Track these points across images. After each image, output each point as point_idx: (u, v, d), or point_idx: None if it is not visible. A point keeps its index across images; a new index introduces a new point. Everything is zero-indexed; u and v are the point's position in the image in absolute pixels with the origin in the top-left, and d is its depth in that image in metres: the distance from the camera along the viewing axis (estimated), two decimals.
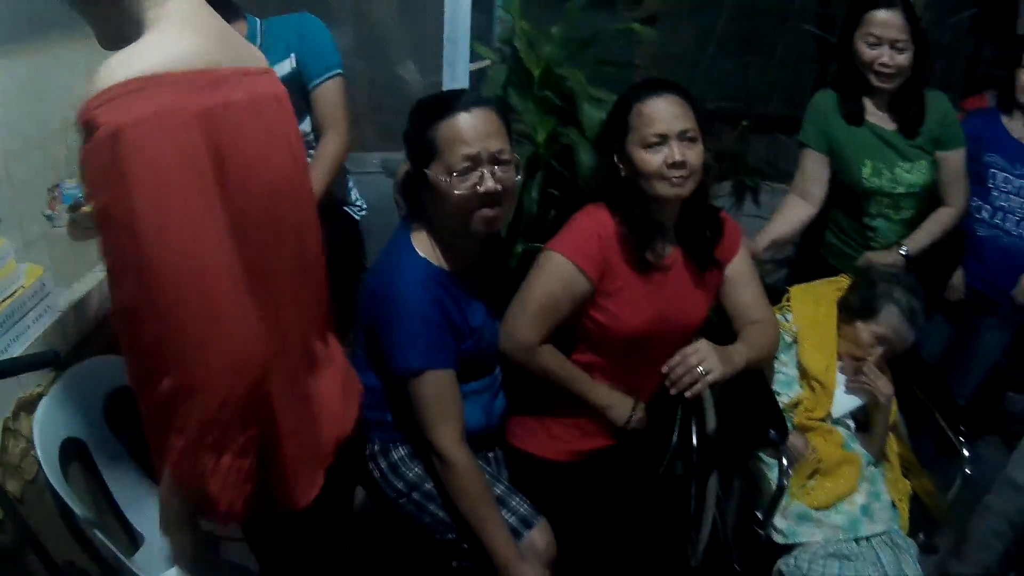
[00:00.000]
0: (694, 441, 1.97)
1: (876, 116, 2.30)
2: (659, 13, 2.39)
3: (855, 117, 2.29)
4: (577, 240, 1.79)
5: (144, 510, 1.79)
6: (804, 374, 2.10)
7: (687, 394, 1.74)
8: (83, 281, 2.01)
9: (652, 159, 1.71)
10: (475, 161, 1.57)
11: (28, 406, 1.71)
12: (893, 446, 2.16)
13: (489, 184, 1.58)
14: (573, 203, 2.00)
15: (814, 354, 2.10)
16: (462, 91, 1.84)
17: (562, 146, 2.21)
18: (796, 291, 2.22)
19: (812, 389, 2.09)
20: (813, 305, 2.16)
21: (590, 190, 2.06)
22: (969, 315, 2.58)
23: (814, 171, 2.34)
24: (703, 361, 1.73)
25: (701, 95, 2.07)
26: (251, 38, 2.12)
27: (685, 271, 1.87)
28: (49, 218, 2.52)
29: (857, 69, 2.25)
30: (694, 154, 1.72)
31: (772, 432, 1.95)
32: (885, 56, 2.18)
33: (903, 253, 2.28)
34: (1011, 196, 2.45)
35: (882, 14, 2.18)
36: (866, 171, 2.28)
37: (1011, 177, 2.45)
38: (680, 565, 2.07)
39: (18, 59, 2.37)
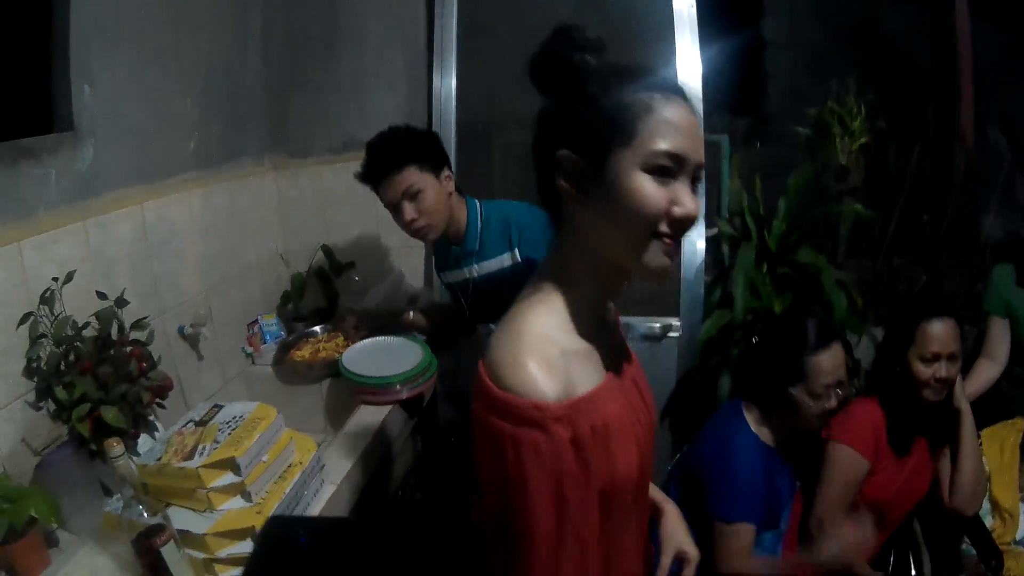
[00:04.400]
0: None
1: None
2: (858, 188, 2.54)
3: None
4: (857, 429, 2.07)
5: None
6: (995, 507, 2.30)
7: None
8: (353, 442, 1.93)
9: (925, 371, 2.02)
10: (831, 387, 1.92)
11: None
12: None
13: (833, 403, 1.93)
14: None
15: (1003, 490, 2.30)
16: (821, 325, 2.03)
17: None
18: (984, 436, 2.39)
19: (1003, 519, 2.29)
20: (999, 448, 2.36)
21: None
22: None
23: (997, 335, 2.52)
24: None
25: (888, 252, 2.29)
26: (472, 223, 2.07)
27: (924, 453, 2.17)
28: (248, 355, 2.50)
29: None
30: (956, 370, 2.04)
31: (993, 563, 2.19)
32: None
33: None
34: None
35: None
36: None
37: None
38: None
39: (213, 187, 2.34)
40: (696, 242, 2.49)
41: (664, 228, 0.95)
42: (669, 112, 0.94)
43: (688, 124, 0.94)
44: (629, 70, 0.97)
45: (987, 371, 2.55)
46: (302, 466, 1.66)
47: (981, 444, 2.44)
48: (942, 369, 2.01)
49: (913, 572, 2.28)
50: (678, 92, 0.96)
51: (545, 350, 0.96)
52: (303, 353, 2.36)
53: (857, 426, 2.09)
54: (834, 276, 2.30)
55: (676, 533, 1.35)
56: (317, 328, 2.47)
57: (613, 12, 2.47)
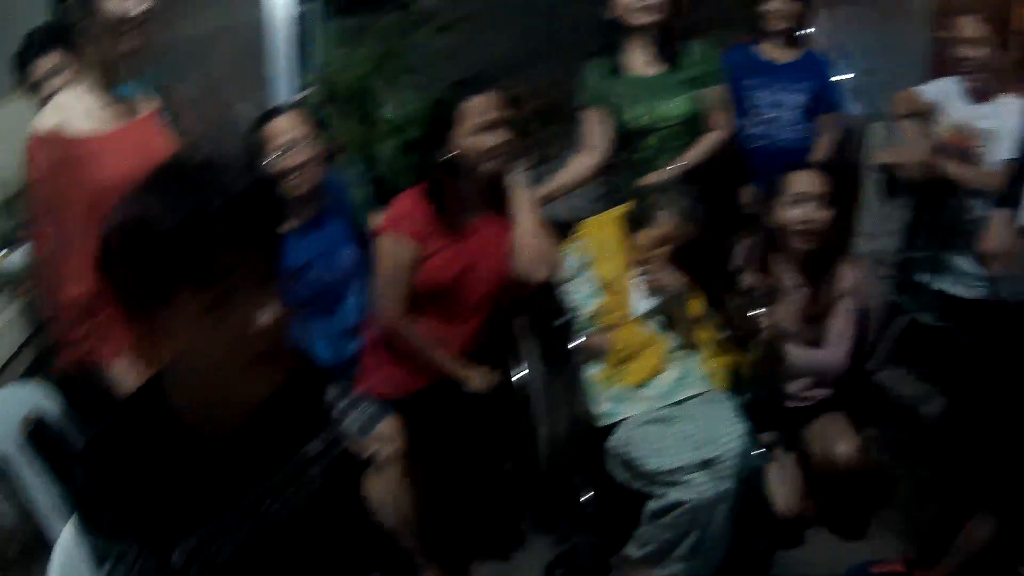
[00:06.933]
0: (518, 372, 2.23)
1: (638, 65, 2.50)
2: (450, 25, 2.66)
3: (616, 71, 2.50)
4: (399, 217, 2.13)
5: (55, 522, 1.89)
6: (601, 284, 2.28)
7: None
8: None
9: (476, 143, 2.04)
10: (286, 146, 2.01)
11: None
12: (704, 332, 2.28)
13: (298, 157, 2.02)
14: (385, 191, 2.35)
15: (606, 265, 2.28)
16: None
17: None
18: (586, 222, 2.41)
19: (610, 294, 2.27)
20: (601, 228, 2.36)
21: (394, 175, 2.44)
22: None
23: (592, 125, 2.55)
24: None
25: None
26: None
27: (488, 235, 2.19)
28: None
29: (616, 23, 2.45)
30: (507, 137, 2.07)
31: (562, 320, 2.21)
32: None
33: (677, 168, 2.45)
34: (773, 108, 2.66)
35: None
36: (633, 114, 2.48)
37: (769, 92, 2.67)
38: (531, 473, 2.31)
39: None
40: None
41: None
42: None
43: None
44: None
45: (583, 160, 2.57)
46: None
47: (581, 229, 2.39)
48: (490, 139, 2.04)
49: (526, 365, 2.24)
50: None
51: None
52: None
53: (398, 213, 2.14)
54: (390, 100, 2.40)
55: None
56: None
57: None
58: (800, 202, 2.31)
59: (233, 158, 0.99)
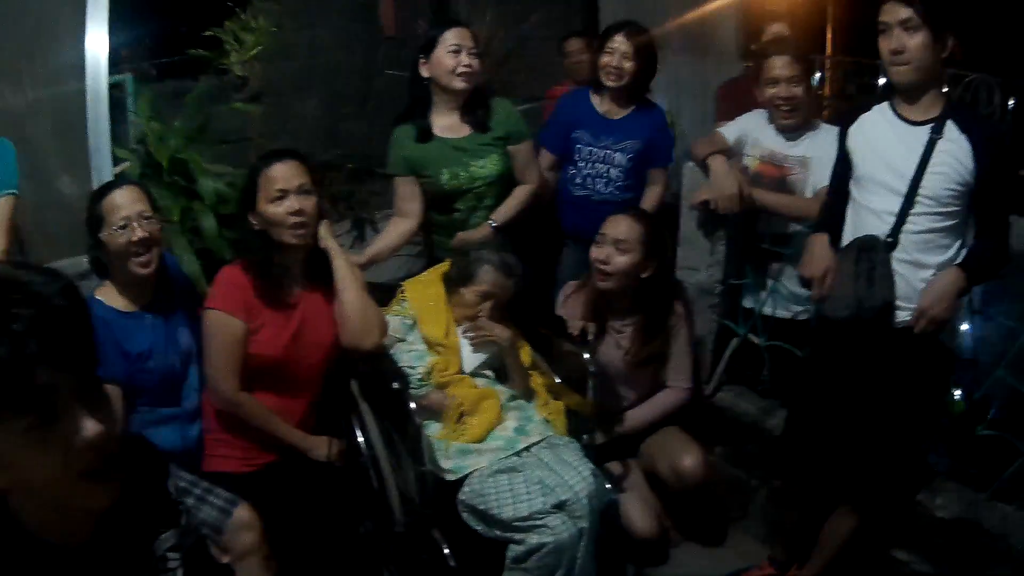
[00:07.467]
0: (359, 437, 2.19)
1: (446, 128, 2.51)
2: (262, 92, 2.67)
3: (426, 136, 2.51)
4: (223, 293, 2.10)
5: None
6: (429, 344, 2.30)
7: None
8: None
9: (277, 210, 2.04)
10: (126, 220, 1.96)
11: None
12: (537, 379, 2.36)
13: (138, 233, 1.96)
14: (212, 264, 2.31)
15: (432, 325, 2.31)
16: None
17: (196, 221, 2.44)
18: (408, 283, 2.43)
19: (439, 353, 2.29)
20: (423, 288, 2.38)
21: (218, 247, 2.40)
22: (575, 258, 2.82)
23: (405, 192, 2.56)
24: None
25: (310, 150, 2.38)
26: None
27: (312, 305, 2.17)
28: None
29: (426, 89, 2.47)
30: (310, 204, 2.08)
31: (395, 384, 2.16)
32: (464, 59, 2.41)
33: (492, 225, 2.52)
34: (597, 164, 2.75)
35: (456, 30, 2.44)
36: (445, 177, 2.50)
37: (595, 149, 2.75)
38: (389, 533, 2.25)
39: None
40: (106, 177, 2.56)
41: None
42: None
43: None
44: None
45: (398, 226, 2.59)
46: None
47: (404, 290, 2.42)
48: (294, 203, 2.04)
49: (359, 434, 2.22)
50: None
51: None
52: None
53: (221, 289, 2.11)
54: (207, 170, 2.37)
55: None
56: None
57: None
58: (600, 244, 2.42)
59: (36, 270, 0.96)
